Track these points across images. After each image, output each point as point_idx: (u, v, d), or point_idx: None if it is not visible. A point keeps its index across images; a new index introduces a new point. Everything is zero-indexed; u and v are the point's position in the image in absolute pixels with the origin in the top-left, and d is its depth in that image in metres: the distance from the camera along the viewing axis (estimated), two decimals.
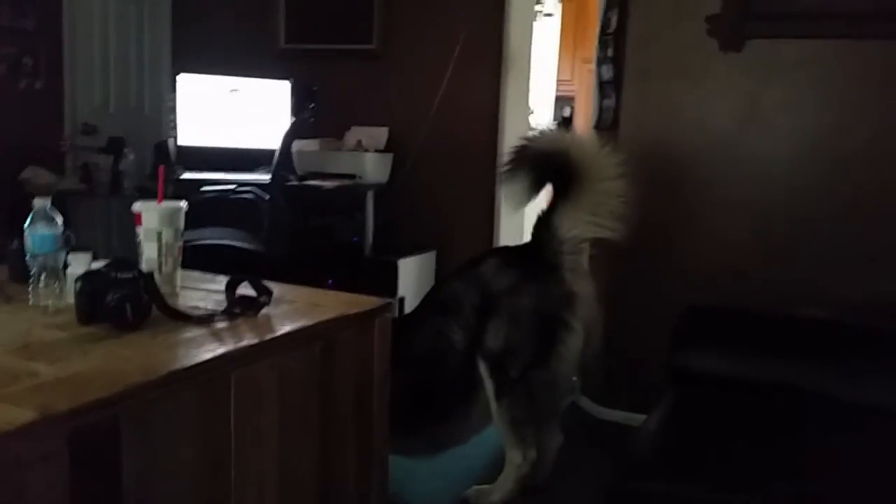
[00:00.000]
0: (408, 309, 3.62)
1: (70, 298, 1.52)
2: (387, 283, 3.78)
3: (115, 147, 4.06)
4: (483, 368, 2.44)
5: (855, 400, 2.20)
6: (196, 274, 1.89)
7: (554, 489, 2.63)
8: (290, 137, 3.79)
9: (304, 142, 4.09)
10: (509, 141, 3.98)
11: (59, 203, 1.68)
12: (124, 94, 4.65)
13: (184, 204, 1.74)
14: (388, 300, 1.78)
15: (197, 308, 1.59)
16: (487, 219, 4.09)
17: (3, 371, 1.21)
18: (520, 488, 2.49)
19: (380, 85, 4.27)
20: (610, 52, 3.25)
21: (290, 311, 1.64)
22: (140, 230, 1.70)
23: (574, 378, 2.50)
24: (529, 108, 4.67)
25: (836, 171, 2.96)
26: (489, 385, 2.43)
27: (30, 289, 1.61)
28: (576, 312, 2.41)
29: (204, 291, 1.76)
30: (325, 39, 4.37)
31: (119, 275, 1.46)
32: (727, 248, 3.11)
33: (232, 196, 3.71)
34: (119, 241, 4.30)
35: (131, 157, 4.02)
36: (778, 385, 2.30)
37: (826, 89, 2.96)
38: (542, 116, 6.54)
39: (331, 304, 1.71)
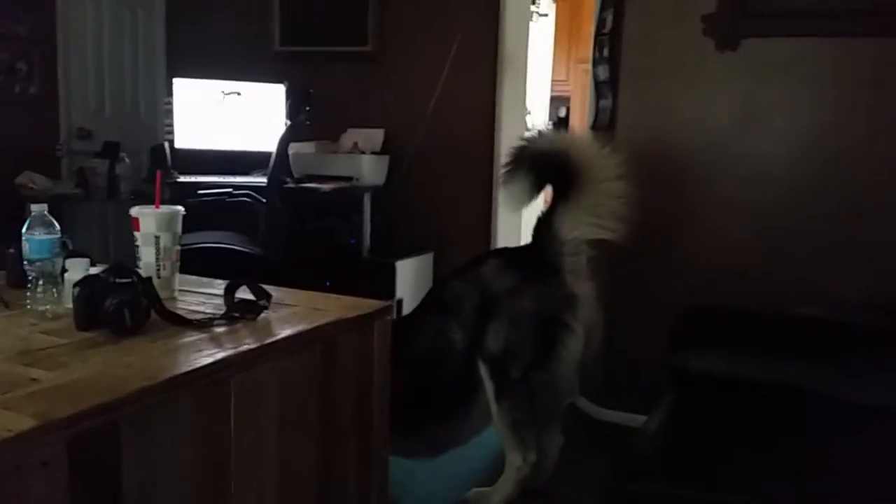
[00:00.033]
0: (406, 311, 3.61)
1: (68, 304, 1.52)
2: (384, 284, 3.78)
3: (110, 151, 4.05)
4: (483, 370, 2.43)
5: (855, 400, 2.19)
6: (194, 278, 1.89)
7: (553, 491, 2.62)
8: (286, 140, 3.79)
9: (301, 144, 4.08)
10: (506, 142, 3.98)
11: (55, 208, 1.67)
12: (119, 98, 4.65)
13: (181, 209, 1.74)
14: (388, 303, 1.78)
15: (196, 312, 1.59)
16: (485, 220, 4.09)
17: (1, 377, 1.20)
18: (520, 491, 2.48)
19: (375, 87, 4.27)
20: (606, 53, 3.24)
21: (290, 314, 1.64)
22: (138, 235, 1.69)
23: (574, 380, 2.49)
24: (526, 109, 4.67)
25: (833, 169, 2.95)
26: (489, 387, 2.43)
27: (28, 294, 1.60)
28: (576, 314, 2.40)
29: (202, 295, 1.76)
30: (320, 42, 4.37)
31: (117, 280, 1.45)
32: (725, 247, 3.11)
33: (229, 199, 3.71)
34: (115, 245, 4.30)
35: (127, 161, 4.02)
36: (777, 385, 2.29)
37: (822, 87, 2.96)
38: (537, 117, 6.54)
39: (331, 307, 1.71)
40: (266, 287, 1.65)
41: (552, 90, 7.02)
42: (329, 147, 4.21)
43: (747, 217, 3.08)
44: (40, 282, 1.57)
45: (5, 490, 0.98)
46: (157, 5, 4.79)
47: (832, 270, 2.95)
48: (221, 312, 1.57)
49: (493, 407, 2.43)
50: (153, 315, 1.48)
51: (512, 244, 3.74)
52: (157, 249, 1.69)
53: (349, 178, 3.97)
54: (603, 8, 3.27)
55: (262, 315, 1.59)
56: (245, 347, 1.40)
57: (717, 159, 3.12)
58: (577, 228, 2.42)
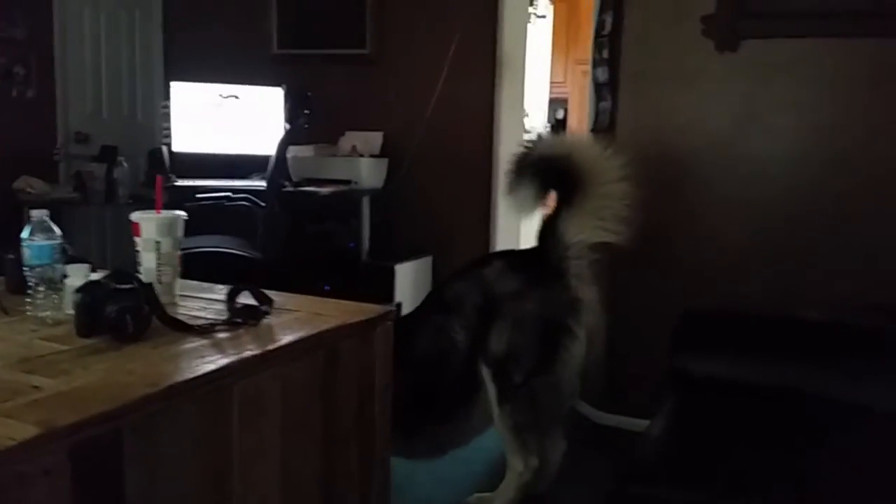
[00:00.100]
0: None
1: (69, 310, 1.51)
2: (384, 288, 3.77)
3: (108, 155, 4.04)
4: (485, 372, 2.43)
5: (856, 401, 2.19)
6: (195, 283, 1.88)
7: (553, 494, 2.61)
8: (284, 144, 3.78)
9: (299, 148, 4.08)
10: (505, 144, 3.98)
11: (53, 212, 1.66)
12: (117, 101, 4.64)
13: (182, 214, 1.73)
14: (391, 308, 1.77)
15: (197, 318, 1.58)
16: (484, 223, 4.08)
17: (3, 385, 1.19)
18: (521, 496, 2.47)
19: (374, 89, 4.26)
20: (605, 54, 3.24)
21: (292, 320, 1.63)
22: (139, 240, 1.68)
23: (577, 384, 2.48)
24: (524, 111, 4.66)
25: (833, 170, 2.96)
26: (491, 389, 2.42)
27: (28, 300, 1.59)
28: (580, 319, 2.40)
29: (203, 301, 1.75)
30: (317, 44, 4.36)
31: (118, 286, 1.44)
32: (725, 248, 3.11)
33: (227, 203, 3.70)
34: (114, 249, 4.29)
35: (125, 165, 4.00)
36: (778, 387, 2.29)
37: (822, 88, 2.97)
38: (535, 119, 6.53)
39: (332, 312, 1.70)
40: (267, 292, 1.65)
41: (550, 92, 7.03)
42: (327, 150, 4.20)
43: (748, 218, 3.08)
44: (41, 288, 1.56)
45: (8, 499, 0.97)
46: (155, 8, 4.78)
47: (833, 271, 2.96)
48: (223, 318, 1.56)
49: (495, 410, 2.43)
50: (154, 321, 1.47)
51: (511, 247, 3.75)
52: (158, 255, 1.68)
53: (348, 182, 3.96)
54: (602, 10, 3.26)
55: (264, 321, 1.58)
56: (248, 354, 1.39)
57: (716, 160, 3.12)
58: (582, 232, 2.41)
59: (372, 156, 4.09)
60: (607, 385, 3.33)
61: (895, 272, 2.87)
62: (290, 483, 1.49)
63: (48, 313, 1.56)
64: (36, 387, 1.18)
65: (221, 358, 1.35)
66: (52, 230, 1.61)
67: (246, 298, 1.63)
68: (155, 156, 4.12)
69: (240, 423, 1.33)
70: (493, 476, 2.61)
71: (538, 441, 2.46)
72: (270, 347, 1.45)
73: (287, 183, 3.86)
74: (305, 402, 1.53)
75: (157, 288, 1.58)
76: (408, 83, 4.15)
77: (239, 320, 1.55)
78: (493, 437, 2.54)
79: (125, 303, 1.41)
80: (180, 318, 1.53)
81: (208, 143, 4.16)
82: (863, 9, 2.87)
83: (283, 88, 4.12)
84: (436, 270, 4.12)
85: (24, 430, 1.01)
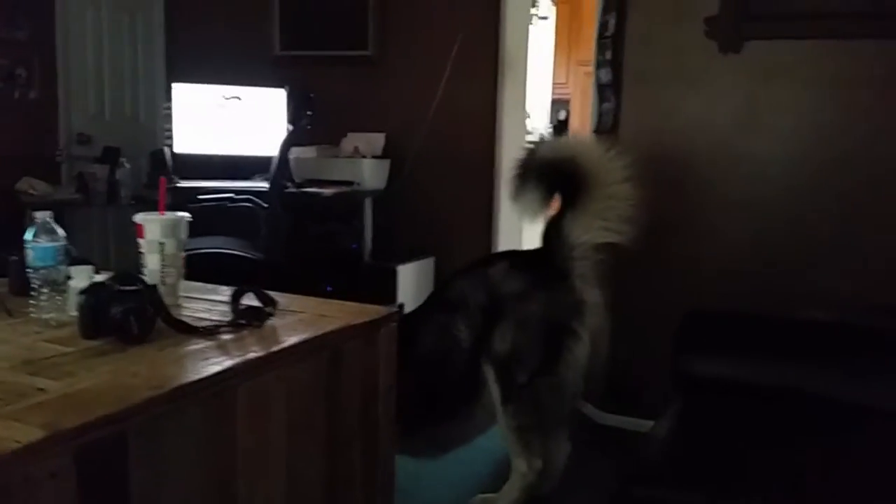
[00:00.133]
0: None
1: (73, 312, 1.50)
2: (386, 289, 3.77)
3: (110, 156, 4.03)
4: (489, 373, 2.42)
5: (859, 401, 2.19)
6: (198, 284, 1.87)
7: (557, 495, 2.61)
8: (287, 145, 3.78)
9: (301, 149, 4.08)
10: (507, 145, 3.98)
11: (55, 214, 1.65)
12: (119, 103, 4.64)
13: (187, 215, 1.73)
14: (394, 309, 1.77)
15: (201, 319, 1.57)
16: (486, 224, 4.08)
17: (8, 387, 1.19)
18: (525, 497, 2.47)
19: (376, 91, 4.26)
20: (608, 56, 3.24)
21: (296, 321, 1.62)
22: (142, 242, 1.68)
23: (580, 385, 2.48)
24: (526, 112, 4.66)
25: (836, 171, 2.95)
26: (495, 390, 2.42)
27: (31, 302, 1.59)
28: (584, 321, 2.40)
29: (207, 302, 1.75)
30: (320, 46, 4.36)
31: (122, 287, 1.44)
32: (728, 249, 3.11)
33: (229, 204, 3.70)
34: (116, 251, 4.29)
35: (127, 166, 4.00)
36: (782, 388, 2.29)
37: (824, 89, 2.96)
38: (537, 120, 6.53)
39: (337, 314, 1.70)
40: (272, 293, 1.64)
41: (552, 93, 7.03)
42: (330, 151, 4.20)
43: (750, 218, 3.08)
44: (45, 290, 1.56)
45: (14, 501, 0.97)
46: (157, 10, 4.78)
47: (835, 271, 2.95)
48: (227, 319, 1.56)
49: (499, 411, 2.42)
50: (159, 323, 1.46)
51: (513, 248, 3.75)
52: (163, 256, 1.68)
53: (350, 183, 3.96)
54: (605, 11, 3.26)
55: (268, 322, 1.58)
56: (252, 355, 1.39)
57: (720, 161, 3.11)
58: (587, 233, 2.41)
59: (374, 157, 4.09)
60: (611, 386, 3.32)
61: None
62: (294, 484, 1.48)
63: (52, 315, 1.56)
64: (40, 389, 1.18)
65: (226, 359, 1.35)
66: (55, 232, 1.60)
67: (250, 300, 1.62)
68: (157, 157, 4.12)
69: (244, 424, 1.33)
70: (497, 477, 2.60)
71: (542, 442, 2.45)
72: (275, 349, 1.44)
73: (289, 184, 3.87)
74: (309, 404, 1.53)
75: (161, 289, 1.58)
76: (410, 84, 4.16)
77: (243, 322, 1.55)
78: (497, 438, 2.53)
79: (129, 304, 1.41)
80: (184, 319, 1.53)
81: (210, 145, 4.16)
82: (865, 10, 2.87)
83: (286, 89, 4.12)
84: (438, 271, 4.12)
85: (30, 433, 1.00)
